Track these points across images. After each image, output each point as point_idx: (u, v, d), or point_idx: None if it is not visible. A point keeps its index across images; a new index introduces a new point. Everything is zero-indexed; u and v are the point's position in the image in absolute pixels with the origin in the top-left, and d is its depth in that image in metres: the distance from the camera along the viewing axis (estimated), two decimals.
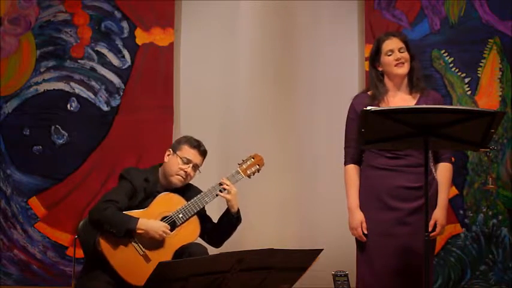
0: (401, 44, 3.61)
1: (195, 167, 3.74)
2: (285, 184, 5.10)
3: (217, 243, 3.85)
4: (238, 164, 3.86)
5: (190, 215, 3.67)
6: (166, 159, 3.76)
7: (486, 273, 5.13)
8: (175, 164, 3.71)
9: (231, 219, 3.77)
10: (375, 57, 3.65)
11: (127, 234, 3.54)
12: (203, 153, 3.77)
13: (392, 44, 3.61)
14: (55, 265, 5.18)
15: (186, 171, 3.71)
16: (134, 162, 5.01)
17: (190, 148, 3.73)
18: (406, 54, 3.61)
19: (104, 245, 3.54)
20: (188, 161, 3.71)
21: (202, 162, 3.78)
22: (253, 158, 3.89)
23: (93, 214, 3.59)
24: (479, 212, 5.15)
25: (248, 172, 3.85)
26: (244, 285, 3.04)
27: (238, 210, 3.77)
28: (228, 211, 3.78)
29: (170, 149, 3.78)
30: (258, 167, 3.89)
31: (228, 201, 3.75)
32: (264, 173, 4.74)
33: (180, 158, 3.71)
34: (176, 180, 3.71)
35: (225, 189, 3.74)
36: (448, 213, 3.65)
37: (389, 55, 3.60)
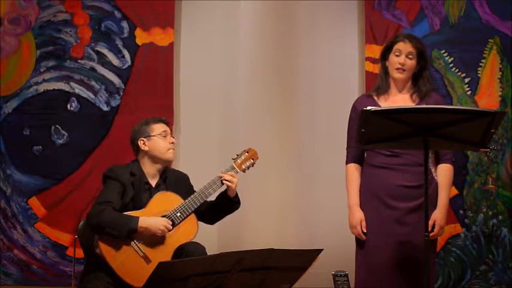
0: (412, 50, 3.59)
1: (171, 135, 3.81)
2: (285, 184, 5.10)
3: (212, 222, 3.86)
4: (233, 159, 3.83)
5: (187, 214, 3.65)
6: (146, 147, 3.74)
7: (486, 273, 5.13)
8: (159, 143, 3.74)
9: (231, 201, 3.77)
10: (386, 52, 3.66)
11: (129, 235, 3.53)
12: (166, 122, 3.85)
13: (403, 47, 3.60)
14: (55, 265, 5.18)
15: (172, 142, 3.77)
16: None
17: (157, 124, 3.79)
18: (412, 62, 3.59)
19: (104, 249, 3.52)
20: (165, 133, 3.77)
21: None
22: (247, 152, 3.85)
23: (91, 220, 3.55)
24: (479, 212, 5.15)
25: (243, 167, 3.81)
26: (244, 285, 3.04)
27: (237, 194, 3.78)
28: (226, 193, 3.76)
29: (143, 139, 3.75)
30: (252, 161, 3.84)
31: (228, 188, 3.74)
32: (264, 173, 4.73)
33: (158, 136, 3.75)
34: (170, 154, 3.76)
35: (226, 179, 3.72)
36: (448, 213, 3.65)
37: (396, 55, 3.60)
